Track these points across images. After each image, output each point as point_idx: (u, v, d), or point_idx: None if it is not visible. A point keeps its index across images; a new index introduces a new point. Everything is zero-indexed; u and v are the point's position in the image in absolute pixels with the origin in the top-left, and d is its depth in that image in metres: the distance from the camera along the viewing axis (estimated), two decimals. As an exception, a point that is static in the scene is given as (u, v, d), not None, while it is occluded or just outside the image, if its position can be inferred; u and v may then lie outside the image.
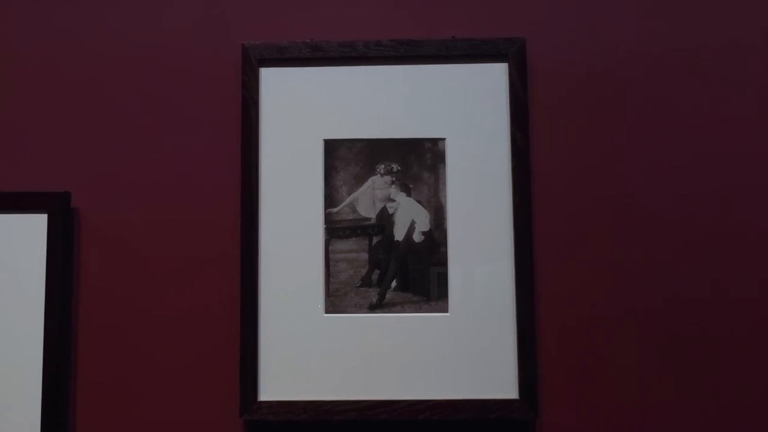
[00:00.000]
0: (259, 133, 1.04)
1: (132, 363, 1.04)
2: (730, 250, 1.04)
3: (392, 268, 1.03)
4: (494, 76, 1.05)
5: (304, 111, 1.05)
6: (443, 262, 1.02)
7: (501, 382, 1.01)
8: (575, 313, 1.03)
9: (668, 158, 1.05)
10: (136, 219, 1.06)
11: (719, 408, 1.01)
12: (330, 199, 1.04)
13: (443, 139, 1.04)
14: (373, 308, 1.02)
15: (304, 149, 1.05)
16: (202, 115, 1.07)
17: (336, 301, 1.02)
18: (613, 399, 1.02)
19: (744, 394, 1.02)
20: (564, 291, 1.03)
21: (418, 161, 1.04)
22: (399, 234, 1.03)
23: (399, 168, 1.04)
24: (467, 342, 1.01)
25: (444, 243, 1.03)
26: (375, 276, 1.03)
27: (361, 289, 1.03)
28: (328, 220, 1.04)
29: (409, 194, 1.04)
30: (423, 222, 1.03)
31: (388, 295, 1.02)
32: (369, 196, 1.04)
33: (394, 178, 1.04)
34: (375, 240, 1.03)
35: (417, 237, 1.03)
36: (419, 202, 1.04)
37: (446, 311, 1.02)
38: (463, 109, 1.05)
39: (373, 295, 1.02)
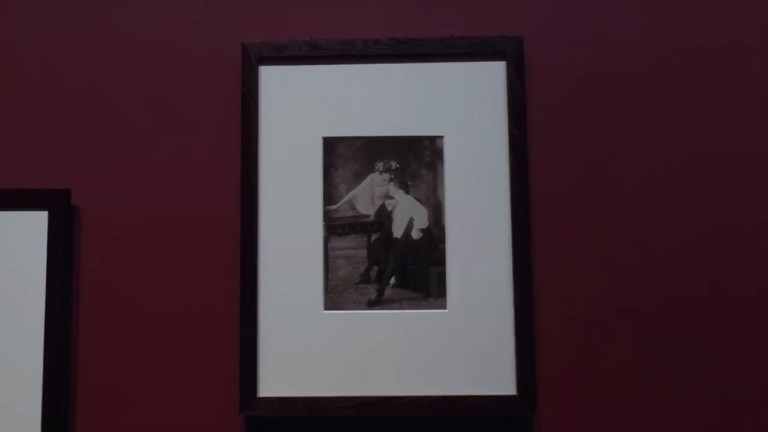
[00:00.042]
0: (259, 131, 1.05)
1: (132, 359, 1.04)
2: (728, 248, 1.04)
3: (391, 264, 1.03)
4: (492, 75, 1.06)
5: (304, 109, 1.06)
6: (441, 259, 1.03)
7: (499, 379, 1.01)
8: (573, 310, 1.03)
9: (666, 157, 1.06)
10: (136, 216, 1.06)
11: (716, 405, 1.02)
12: (329, 197, 1.05)
13: (441, 137, 1.05)
14: (371, 305, 1.03)
15: (303, 147, 1.05)
16: (202, 113, 1.08)
17: (335, 297, 1.03)
18: (610, 396, 1.02)
19: (740, 391, 1.02)
20: (562, 288, 1.04)
21: (416, 159, 1.05)
22: (397, 231, 1.04)
23: (398, 165, 1.05)
24: (465, 339, 1.02)
25: (442, 240, 1.03)
26: (374, 273, 1.03)
27: (360, 285, 1.03)
28: (327, 217, 1.04)
29: (407, 192, 1.05)
30: (421, 219, 1.04)
31: (387, 292, 1.03)
32: (368, 194, 1.05)
33: (392, 176, 1.05)
34: (374, 237, 1.04)
35: (415, 234, 1.04)
36: (418, 199, 1.04)
37: (444, 308, 1.02)
38: (461, 107, 1.05)
39: (371, 291, 1.03)
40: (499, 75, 1.05)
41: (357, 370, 1.02)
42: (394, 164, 1.05)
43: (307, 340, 1.02)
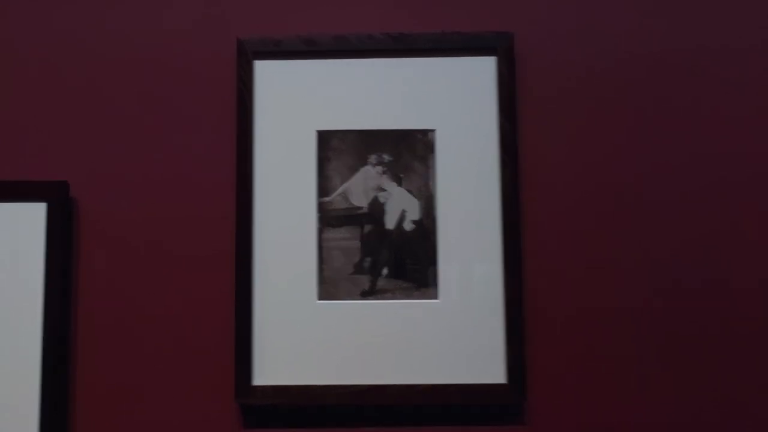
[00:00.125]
0: (254, 124, 1.07)
1: (129, 349, 1.06)
2: (722, 244, 1.06)
3: (384, 256, 1.05)
4: (483, 70, 1.07)
5: (298, 103, 1.08)
6: (433, 250, 1.05)
7: (489, 368, 1.03)
8: (563, 300, 1.05)
9: (660, 154, 1.07)
10: (133, 208, 1.08)
11: (706, 393, 1.04)
12: (323, 189, 1.06)
13: (433, 131, 1.07)
14: (365, 295, 1.05)
15: (298, 140, 1.07)
16: (198, 106, 1.09)
17: (329, 288, 1.05)
18: (599, 384, 1.04)
19: (733, 380, 1.04)
20: (552, 279, 1.06)
21: (409, 152, 1.07)
22: (390, 223, 1.06)
23: (390, 158, 1.07)
24: (457, 328, 1.04)
25: (434, 231, 1.05)
26: (367, 264, 1.05)
27: (354, 276, 1.05)
28: (321, 209, 1.06)
29: (400, 184, 1.06)
30: (414, 211, 1.06)
31: (380, 283, 1.05)
32: (361, 186, 1.06)
33: (385, 169, 1.07)
34: (367, 228, 1.06)
35: (408, 226, 1.06)
36: (410, 191, 1.06)
37: (436, 298, 1.04)
38: (453, 101, 1.07)
39: (365, 282, 1.05)
40: (490, 70, 1.07)
41: (350, 358, 1.03)
42: (387, 157, 1.07)
43: (302, 329, 1.04)
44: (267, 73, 1.08)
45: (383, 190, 1.06)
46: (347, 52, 1.08)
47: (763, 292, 1.05)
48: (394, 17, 1.10)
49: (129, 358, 1.06)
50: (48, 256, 1.05)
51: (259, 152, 1.07)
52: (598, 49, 1.10)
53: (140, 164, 1.09)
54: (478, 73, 1.07)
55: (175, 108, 1.10)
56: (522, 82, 1.08)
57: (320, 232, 1.06)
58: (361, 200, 1.06)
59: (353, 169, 1.07)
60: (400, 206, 1.06)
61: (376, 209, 1.06)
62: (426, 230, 1.05)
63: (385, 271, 1.05)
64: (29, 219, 1.06)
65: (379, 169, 1.07)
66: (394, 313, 1.04)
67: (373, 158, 1.07)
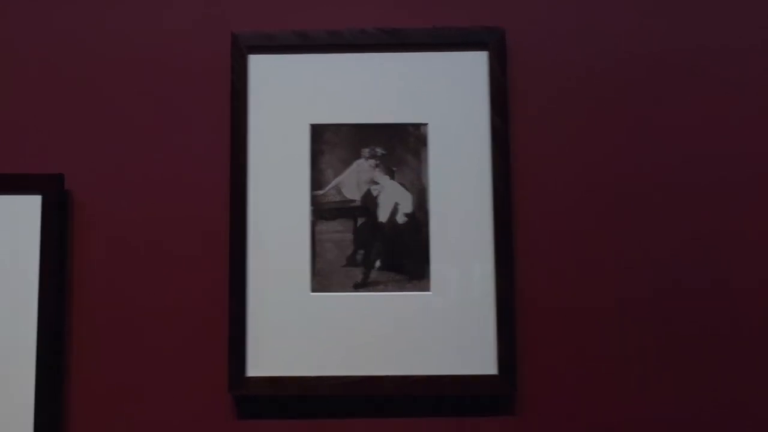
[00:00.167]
0: (248, 118, 1.07)
1: (123, 340, 1.07)
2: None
3: (376, 248, 1.06)
4: (475, 65, 1.09)
5: (292, 96, 1.08)
6: (425, 243, 1.06)
7: (480, 359, 1.04)
8: (553, 292, 1.06)
9: (657, 151, 1.09)
10: (127, 201, 1.09)
11: (699, 389, 1.05)
12: (316, 182, 1.07)
13: (426, 125, 1.08)
14: (358, 287, 1.06)
15: (291, 133, 1.08)
16: (193, 100, 1.10)
17: (322, 280, 1.06)
18: (589, 375, 1.05)
19: (722, 375, 1.05)
20: (543, 272, 1.07)
21: (401, 145, 1.08)
22: (383, 215, 1.07)
23: (383, 152, 1.08)
24: (448, 320, 1.05)
25: (426, 224, 1.06)
26: (360, 256, 1.06)
27: (347, 268, 1.06)
28: (315, 202, 1.07)
29: (392, 177, 1.07)
30: (406, 204, 1.07)
31: (373, 275, 1.06)
32: (354, 179, 1.07)
33: (378, 162, 1.08)
34: (360, 221, 1.07)
35: (400, 218, 1.07)
36: (402, 184, 1.07)
37: (428, 290, 1.05)
38: (445, 95, 1.08)
39: (357, 274, 1.06)
40: (482, 65, 1.09)
41: (343, 350, 1.04)
42: (379, 151, 1.08)
43: (295, 321, 1.05)
44: (261, 67, 1.09)
45: (376, 183, 1.07)
46: (341, 46, 1.09)
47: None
48: (387, 12, 1.11)
49: (124, 350, 1.06)
50: (43, 249, 1.05)
51: (253, 145, 1.07)
52: (591, 46, 1.11)
53: (135, 157, 1.10)
54: (470, 68, 1.09)
55: (169, 102, 1.11)
56: (513, 76, 1.09)
57: (313, 224, 1.07)
58: (354, 193, 1.07)
59: (346, 163, 1.08)
60: (392, 199, 1.07)
61: (369, 202, 1.07)
62: (418, 223, 1.07)
63: (377, 263, 1.06)
64: (24, 212, 1.06)
65: (372, 162, 1.08)
66: (386, 305, 1.05)
67: (366, 152, 1.08)
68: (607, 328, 1.06)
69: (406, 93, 1.08)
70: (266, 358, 1.04)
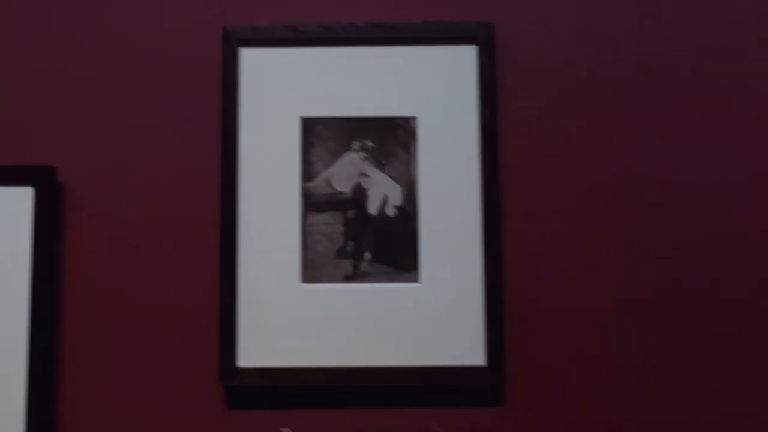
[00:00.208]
0: (239, 111, 1.08)
1: (115, 331, 1.07)
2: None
3: (366, 240, 1.07)
4: (465, 59, 1.09)
5: (283, 90, 1.09)
6: (415, 235, 1.07)
7: (469, 350, 1.05)
8: (541, 284, 1.07)
9: (637, 142, 1.10)
10: (119, 193, 1.09)
11: (676, 368, 1.06)
12: (307, 174, 1.08)
13: (415, 118, 1.09)
14: (348, 279, 1.07)
15: (282, 126, 1.09)
16: (184, 93, 1.11)
17: (312, 271, 1.07)
18: (579, 367, 1.06)
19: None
20: (532, 263, 1.08)
21: (391, 139, 1.09)
22: (373, 208, 1.08)
23: (373, 145, 1.09)
24: (437, 311, 1.06)
25: (416, 216, 1.07)
26: (350, 248, 1.07)
27: (337, 260, 1.07)
28: (305, 194, 1.08)
29: (382, 170, 1.08)
30: (396, 196, 1.08)
31: (362, 267, 1.07)
32: (344, 172, 1.08)
33: (368, 155, 1.09)
34: (350, 213, 1.08)
35: (390, 211, 1.08)
36: (392, 177, 1.08)
37: (418, 281, 1.06)
38: (435, 89, 1.09)
39: (347, 266, 1.07)
40: (471, 59, 1.10)
41: (333, 341, 1.05)
42: (369, 144, 1.09)
43: (286, 312, 1.06)
44: (252, 61, 1.10)
45: (366, 175, 1.08)
46: (331, 40, 1.10)
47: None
48: (377, 6, 1.12)
49: (115, 341, 1.07)
50: (35, 241, 1.06)
51: (244, 138, 1.08)
52: (581, 41, 1.12)
53: (127, 150, 1.10)
54: (460, 62, 1.10)
55: (160, 95, 1.11)
56: (503, 70, 1.10)
57: (304, 216, 1.07)
58: (344, 186, 1.08)
59: (337, 155, 1.09)
60: (382, 192, 1.08)
61: (359, 194, 1.08)
62: (408, 215, 1.07)
63: (367, 255, 1.07)
64: (17, 204, 1.07)
65: (362, 155, 1.09)
66: (376, 297, 1.06)
67: (356, 144, 1.09)
68: (597, 320, 1.07)
69: (396, 87, 1.09)
70: (257, 348, 1.05)
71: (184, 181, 1.10)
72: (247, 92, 1.09)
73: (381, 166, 1.08)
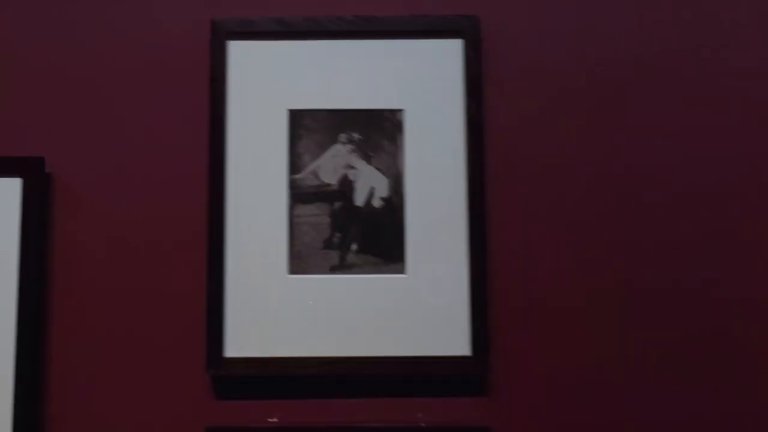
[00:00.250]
0: (227, 103, 1.09)
1: (103, 321, 1.08)
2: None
3: (353, 231, 1.08)
4: (450, 52, 1.11)
5: (271, 82, 1.10)
6: (401, 226, 1.08)
7: (454, 340, 1.06)
8: (526, 274, 1.09)
9: (623, 135, 1.11)
10: (107, 184, 1.10)
11: (655, 353, 1.08)
12: (294, 166, 1.09)
13: (402, 110, 1.10)
14: (334, 269, 1.08)
15: (270, 118, 1.10)
16: (172, 85, 1.12)
17: (299, 262, 1.08)
18: (563, 358, 1.07)
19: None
20: (515, 254, 1.09)
21: (378, 131, 1.10)
22: (359, 199, 1.09)
23: (360, 137, 1.10)
24: (423, 302, 1.07)
25: (402, 208, 1.08)
26: (336, 239, 1.08)
27: (323, 251, 1.08)
28: (292, 185, 1.09)
29: (369, 162, 1.09)
30: (382, 188, 1.09)
31: (349, 257, 1.08)
32: (331, 164, 1.09)
33: (355, 147, 1.10)
34: (337, 205, 1.09)
35: (376, 202, 1.09)
36: (379, 169, 1.09)
37: (404, 273, 1.07)
38: (421, 82, 1.10)
39: (334, 257, 1.08)
40: (457, 52, 1.11)
41: (320, 331, 1.06)
42: (356, 136, 1.10)
43: (273, 302, 1.07)
44: (240, 53, 1.10)
45: (353, 167, 1.09)
46: (319, 33, 1.10)
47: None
48: (365, 0, 1.13)
49: (104, 331, 1.08)
50: (23, 232, 1.06)
51: (232, 130, 1.09)
52: (565, 34, 1.13)
53: (115, 141, 1.11)
54: (446, 55, 1.11)
55: (149, 87, 1.12)
56: (488, 64, 1.11)
57: (291, 208, 1.08)
58: (331, 177, 1.09)
59: (324, 147, 1.10)
60: (369, 183, 1.09)
61: (346, 186, 1.09)
62: (394, 207, 1.09)
63: (354, 246, 1.08)
64: (5, 194, 1.07)
65: (349, 147, 1.09)
66: (362, 288, 1.07)
67: (343, 137, 1.10)
68: (580, 313, 1.08)
69: (383, 80, 1.10)
70: (244, 338, 1.06)
71: (173, 173, 1.10)
72: (235, 84, 1.10)
73: (368, 158, 1.09)
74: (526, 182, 1.10)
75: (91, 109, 1.12)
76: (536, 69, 1.12)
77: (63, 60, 1.13)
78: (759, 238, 1.09)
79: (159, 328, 1.08)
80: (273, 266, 1.07)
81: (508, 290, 1.08)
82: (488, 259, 1.08)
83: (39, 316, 1.07)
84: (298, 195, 1.08)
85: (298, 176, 1.09)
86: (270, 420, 1.06)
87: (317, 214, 1.08)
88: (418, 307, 1.07)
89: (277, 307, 1.06)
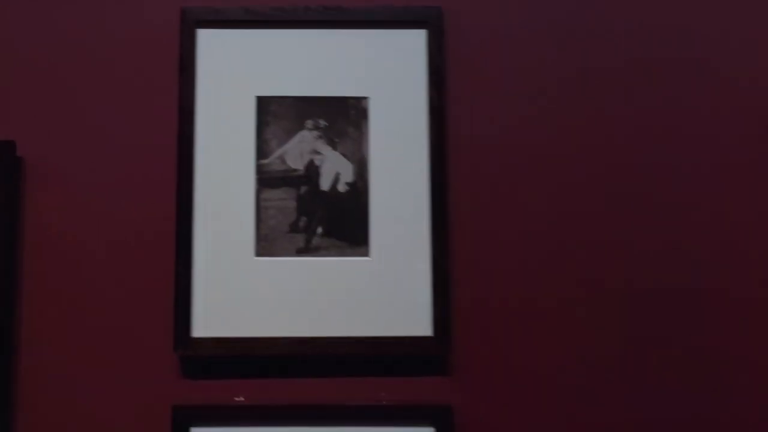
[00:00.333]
0: (196, 90, 1.12)
1: (72, 302, 1.10)
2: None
3: (318, 215, 1.11)
4: (415, 42, 1.14)
5: (239, 70, 1.13)
6: (365, 211, 1.11)
7: (417, 321, 1.09)
8: (487, 256, 1.12)
9: (580, 119, 1.15)
10: (78, 168, 1.12)
11: (621, 338, 1.11)
12: (261, 151, 1.12)
13: (366, 98, 1.13)
14: (300, 252, 1.10)
15: (238, 105, 1.12)
16: (141, 72, 1.14)
17: (266, 245, 1.10)
18: (523, 337, 1.10)
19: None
20: (476, 237, 1.12)
21: (343, 118, 1.13)
22: (325, 184, 1.12)
23: (326, 123, 1.13)
24: (386, 284, 1.10)
25: (366, 193, 1.11)
26: (302, 223, 1.11)
27: (290, 234, 1.10)
28: (260, 170, 1.11)
29: (335, 148, 1.12)
30: (347, 173, 1.12)
31: (315, 241, 1.11)
32: (297, 149, 1.12)
33: (321, 133, 1.12)
34: (303, 189, 1.12)
35: (342, 187, 1.12)
36: (344, 155, 1.12)
37: (368, 255, 1.10)
38: (386, 71, 1.13)
39: (300, 240, 1.11)
40: (421, 42, 1.14)
41: (286, 312, 1.09)
42: (322, 122, 1.13)
43: (240, 284, 1.09)
44: (209, 41, 1.13)
45: (319, 153, 1.12)
46: (286, 22, 1.13)
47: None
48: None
49: (72, 311, 1.10)
50: (-5, 215, 1.08)
51: (200, 116, 1.11)
52: (529, 23, 1.16)
53: (85, 126, 1.13)
54: (410, 45, 1.14)
55: (119, 73, 1.14)
56: (451, 54, 1.14)
57: (258, 192, 1.11)
58: (297, 163, 1.12)
59: (291, 134, 1.12)
60: (334, 169, 1.12)
61: (312, 171, 1.12)
62: (359, 192, 1.12)
63: (319, 230, 1.11)
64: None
65: (315, 133, 1.12)
66: (327, 270, 1.10)
67: (309, 123, 1.12)
68: (542, 294, 1.11)
69: (349, 68, 1.13)
70: (211, 319, 1.08)
71: (143, 158, 1.13)
72: (203, 72, 1.12)
73: (333, 144, 1.12)
74: (486, 168, 1.13)
75: (62, 94, 1.14)
76: (497, 59, 1.16)
77: (33, 45, 1.15)
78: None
79: (128, 308, 1.10)
80: (240, 249, 1.10)
81: (469, 273, 1.11)
82: (450, 242, 1.11)
83: (9, 296, 1.08)
84: (266, 180, 1.11)
85: (265, 161, 1.12)
86: (236, 399, 1.09)
87: (284, 198, 1.11)
88: (381, 289, 1.10)
89: (244, 289, 1.09)
